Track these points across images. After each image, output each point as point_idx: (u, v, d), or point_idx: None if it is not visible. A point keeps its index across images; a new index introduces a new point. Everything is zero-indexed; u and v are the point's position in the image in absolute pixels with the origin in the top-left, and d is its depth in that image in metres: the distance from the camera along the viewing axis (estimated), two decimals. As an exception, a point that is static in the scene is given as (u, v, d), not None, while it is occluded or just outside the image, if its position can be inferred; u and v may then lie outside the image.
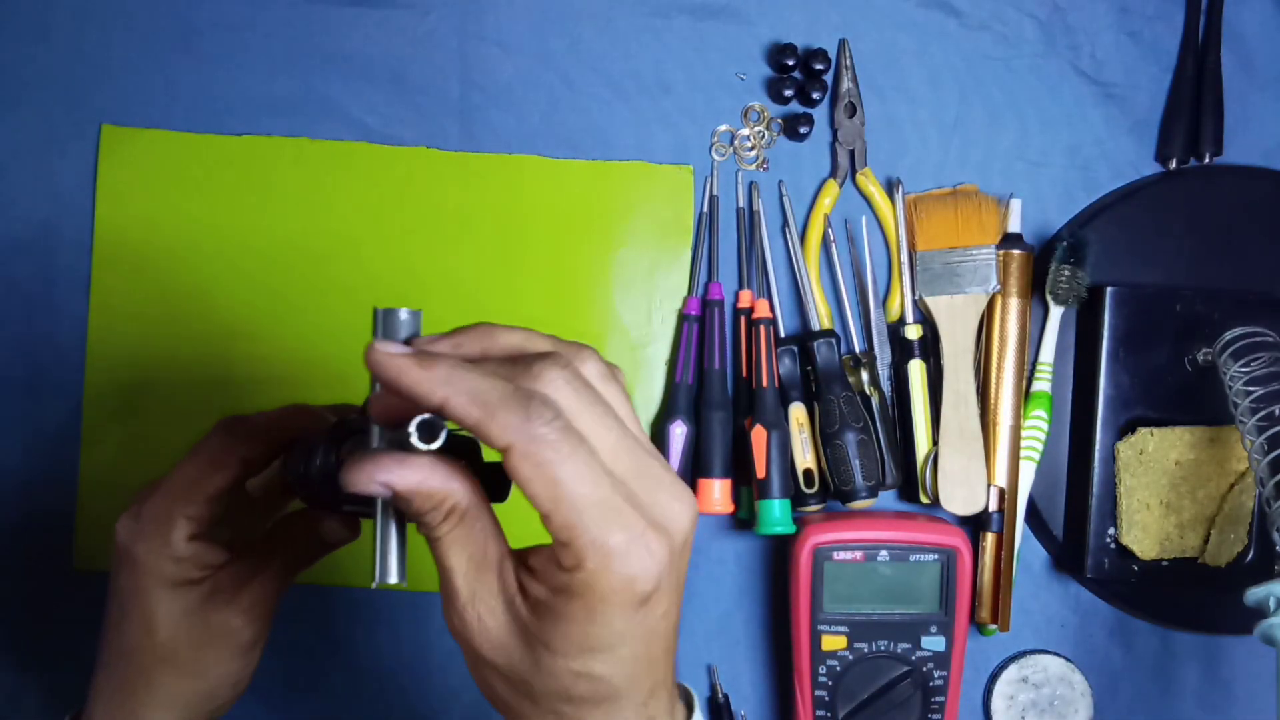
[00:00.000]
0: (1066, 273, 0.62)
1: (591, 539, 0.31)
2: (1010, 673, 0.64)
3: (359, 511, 0.42)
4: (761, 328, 0.62)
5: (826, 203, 0.64)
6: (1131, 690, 0.66)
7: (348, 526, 0.46)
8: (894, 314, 0.64)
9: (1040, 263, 0.64)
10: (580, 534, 0.31)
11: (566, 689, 0.34)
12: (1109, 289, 0.62)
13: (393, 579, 0.35)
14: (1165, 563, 0.62)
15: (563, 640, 0.33)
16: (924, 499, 0.63)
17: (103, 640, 0.46)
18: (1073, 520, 0.64)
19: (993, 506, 0.62)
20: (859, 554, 0.59)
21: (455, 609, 0.34)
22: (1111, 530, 0.62)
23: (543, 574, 0.33)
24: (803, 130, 0.64)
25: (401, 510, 0.34)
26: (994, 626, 0.62)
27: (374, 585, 0.35)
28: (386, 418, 0.33)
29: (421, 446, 0.32)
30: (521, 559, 0.34)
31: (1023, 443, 0.63)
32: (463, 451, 0.36)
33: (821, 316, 0.63)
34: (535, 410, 0.31)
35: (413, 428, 0.32)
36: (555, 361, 0.33)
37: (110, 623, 0.45)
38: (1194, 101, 0.65)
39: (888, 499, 0.65)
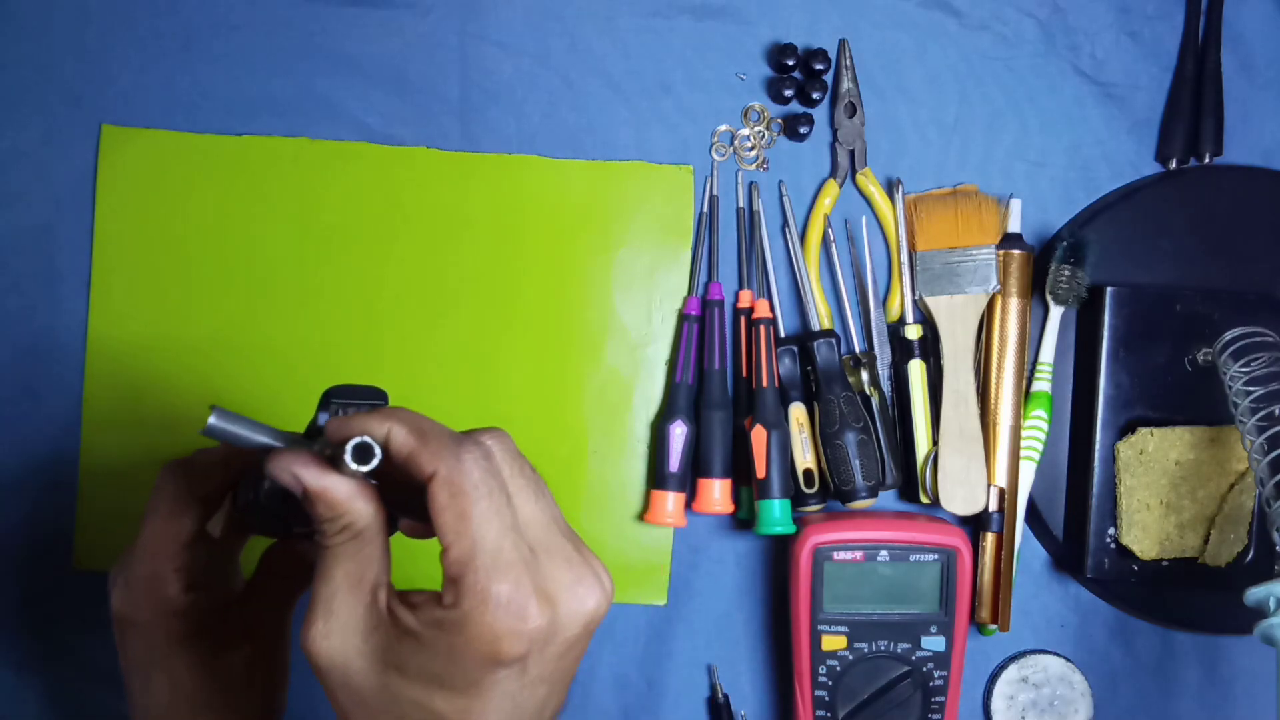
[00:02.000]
0: (1066, 273, 0.62)
1: (476, 581, 0.32)
2: (1010, 673, 0.65)
3: (308, 534, 0.41)
4: (761, 328, 0.62)
5: (826, 203, 0.64)
6: (1131, 690, 0.66)
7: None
8: (894, 314, 0.64)
9: (1040, 263, 0.64)
10: (469, 573, 0.32)
11: (402, 715, 0.34)
12: (1109, 289, 0.62)
13: None
14: (1165, 563, 0.62)
15: (415, 667, 0.34)
16: (924, 499, 0.63)
17: (133, 709, 0.46)
18: (1073, 520, 0.64)
19: (993, 506, 0.62)
20: (859, 554, 0.59)
21: (320, 617, 0.35)
22: (1111, 530, 0.62)
23: (420, 608, 0.34)
24: (803, 130, 0.64)
25: (308, 512, 0.35)
26: (994, 626, 0.62)
27: None
28: (338, 436, 0.35)
29: (352, 466, 0.33)
30: (403, 595, 0.35)
31: (1023, 443, 0.63)
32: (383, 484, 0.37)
33: (821, 316, 0.63)
34: (467, 446, 0.34)
35: (349, 446, 0.33)
36: (493, 432, 0.35)
37: (135, 690, 0.45)
38: (1194, 101, 0.65)
39: (888, 499, 0.65)
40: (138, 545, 0.44)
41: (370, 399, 0.40)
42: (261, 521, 0.44)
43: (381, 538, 0.36)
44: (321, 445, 0.36)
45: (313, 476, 0.34)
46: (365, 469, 0.33)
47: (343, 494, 0.35)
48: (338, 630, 0.34)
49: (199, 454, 0.45)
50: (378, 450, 0.34)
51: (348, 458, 0.33)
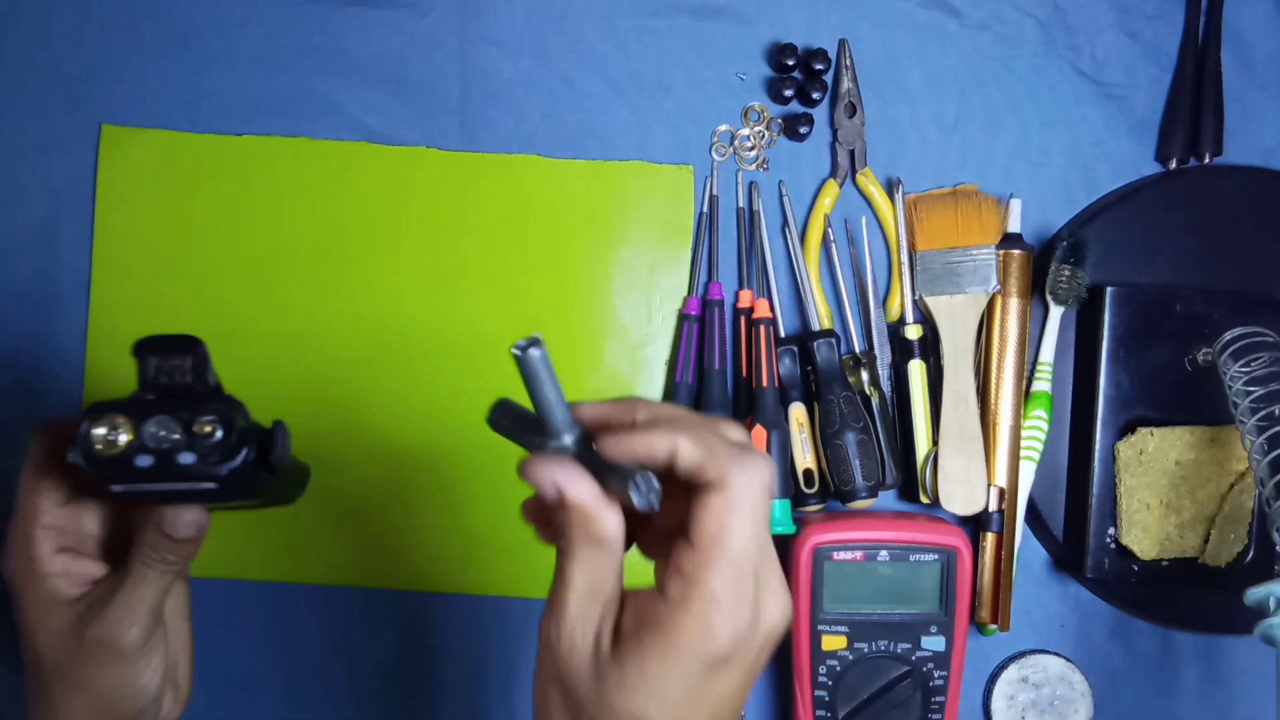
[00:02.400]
0: (1066, 273, 0.62)
1: (707, 580, 0.34)
2: (1010, 673, 0.65)
3: (128, 497, 0.41)
4: (761, 328, 0.62)
5: (826, 203, 0.64)
6: (1131, 690, 0.66)
7: (188, 515, 0.43)
8: (894, 314, 0.64)
9: (1040, 263, 0.64)
10: (704, 572, 0.34)
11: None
12: (1109, 289, 0.62)
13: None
14: (1165, 563, 0.62)
15: (634, 674, 0.35)
16: (924, 499, 0.63)
17: (24, 669, 0.46)
18: (1073, 520, 0.64)
19: (993, 506, 0.62)
20: (859, 554, 0.59)
21: (557, 620, 0.36)
22: (1111, 530, 0.62)
23: (641, 604, 0.36)
24: (803, 130, 0.64)
25: (553, 514, 0.36)
26: (994, 626, 0.62)
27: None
28: (622, 457, 0.36)
29: (631, 496, 0.35)
30: (625, 597, 0.37)
31: (1023, 443, 0.63)
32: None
33: (821, 316, 0.63)
34: (750, 460, 0.35)
35: (638, 479, 0.35)
36: (766, 455, 0.37)
37: (23, 649, 0.45)
38: (1194, 101, 0.65)
39: (888, 499, 0.65)
40: (15, 506, 0.44)
41: (184, 349, 0.41)
42: (85, 479, 0.41)
43: (622, 550, 0.37)
44: (580, 450, 0.37)
45: (575, 489, 0.35)
46: (640, 500, 0.35)
47: (600, 507, 0.35)
48: (581, 636, 0.36)
49: (70, 418, 0.44)
50: (658, 488, 0.35)
51: (632, 490, 0.34)
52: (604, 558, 0.36)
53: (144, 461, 0.39)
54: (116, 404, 0.39)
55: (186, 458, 0.39)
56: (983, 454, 0.61)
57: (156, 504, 0.42)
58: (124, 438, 0.39)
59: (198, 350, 0.41)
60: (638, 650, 0.35)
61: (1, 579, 0.45)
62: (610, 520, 0.36)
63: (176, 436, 0.39)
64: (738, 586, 0.35)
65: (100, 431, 0.39)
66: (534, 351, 0.35)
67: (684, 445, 0.35)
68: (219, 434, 0.39)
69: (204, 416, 0.39)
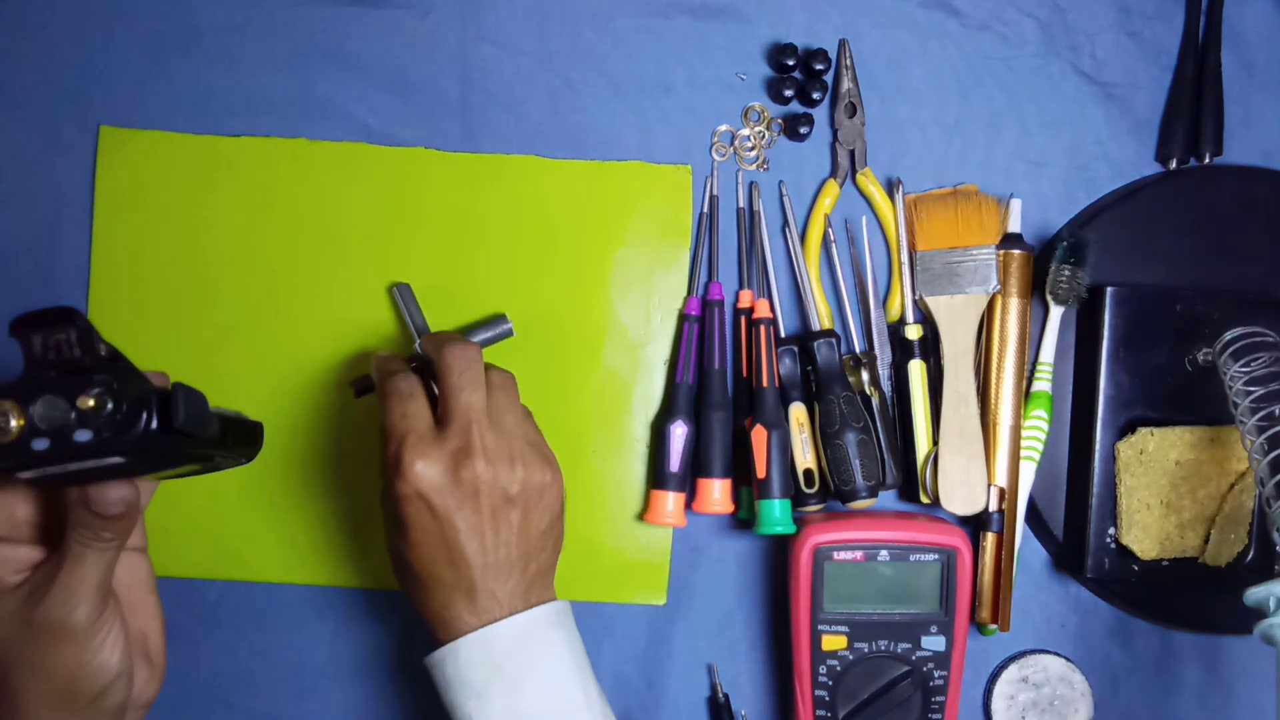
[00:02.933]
0: (1066, 273, 0.62)
1: (383, 447, 0.52)
2: (1010, 673, 0.65)
3: (44, 481, 0.41)
4: (761, 328, 0.62)
5: (827, 203, 0.64)
6: (1131, 690, 0.66)
7: (114, 493, 0.42)
8: (894, 314, 0.64)
9: (1040, 263, 0.64)
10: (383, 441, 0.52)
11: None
12: (1109, 289, 0.62)
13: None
14: (1165, 563, 0.62)
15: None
16: (924, 499, 0.63)
17: None
18: (1073, 520, 0.64)
19: (993, 506, 0.62)
20: (859, 554, 0.59)
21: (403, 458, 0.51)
22: (1111, 530, 0.62)
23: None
24: (803, 130, 0.64)
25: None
26: (994, 626, 0.62)
27: None
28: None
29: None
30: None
31: (1023, 443, 0.63)
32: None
33: (821, 316, 0.63)
34: (391, 365, 0.56)
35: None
36: (467, 349, 0.53)
37: None
38: (1194, 101, 0.65)
39: (888, 499, 0.65)
40: None
41: (63, 321, 0.39)
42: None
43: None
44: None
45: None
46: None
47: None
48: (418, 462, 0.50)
49: None
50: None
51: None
52: (411, 403, 0.53)
53: (40, 445, 0.38)
54: (2, 389, 0.38)
55: (82, 435, 0.38)
56: (983, 454, 0.61)
57: (79, 484, 0.41)
58: (15, 423, 0.38)
59: (79, 321, 0.39)
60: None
61: None
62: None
63: (68, 414, 0.38)
64: (409, 447, 0.50)
65: None
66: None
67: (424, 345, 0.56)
68: (109, 405, 0.38)
69: (90, 390, 0.38)
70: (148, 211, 0.63)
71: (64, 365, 0.39)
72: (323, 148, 0.63)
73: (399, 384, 0.53)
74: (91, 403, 0.38)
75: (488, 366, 0.54)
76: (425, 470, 0.49)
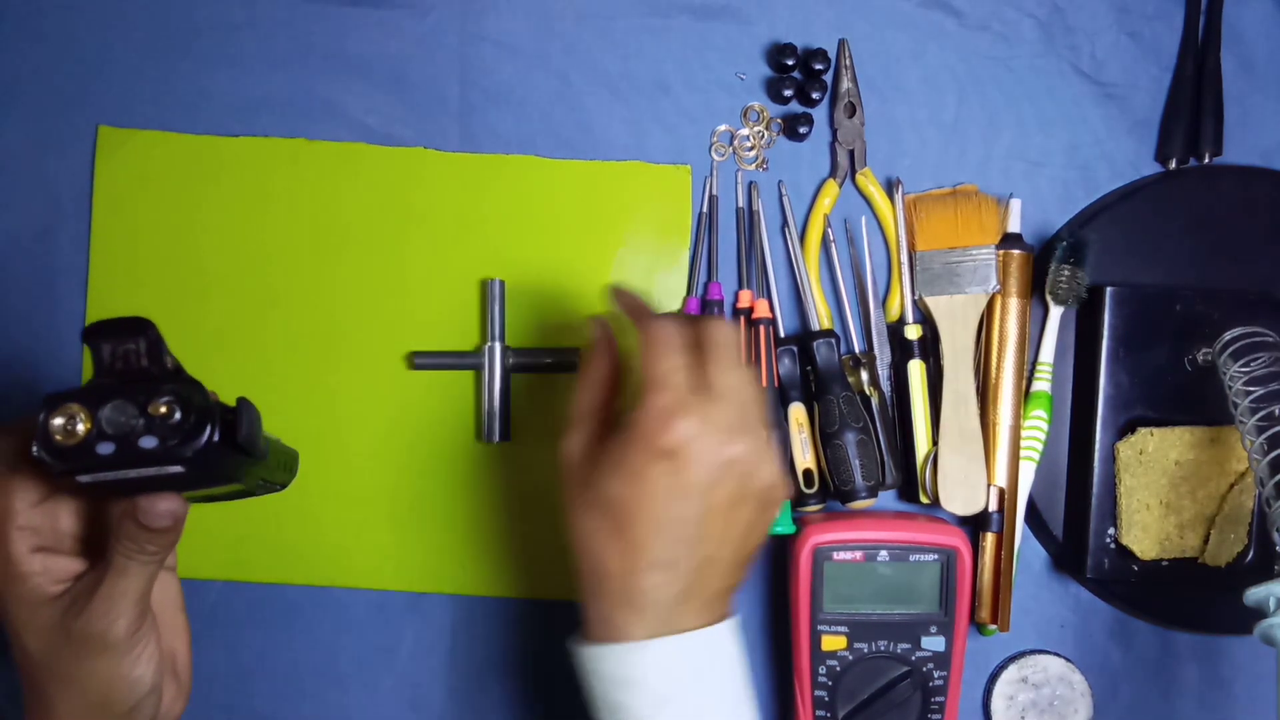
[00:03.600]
0: (1066, 273, 0.62)
1: (644, 394, 0.46)
2: (1010, 673, 0.64)
3: (98, 488, 0.41)
4: (761, 328, 0.62)
5: (826, 203, 0.64)
6: (1131, 690, 0.66)
7: (162, 505, 0.42)
8: (894, 314, 0.64)
9: (1040, 263, 0.64)
10: (643, 388, 0.46)
11: (595, 497, 0.47)
12: (1109, 289, 0.62)
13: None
14: (1165, 563, 0.62)
15: (603, 456, 0.47)
16: (924, 499, 0.63)
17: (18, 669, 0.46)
18: (1073, 520, 0.64)
19: (993, 506, 0.62)
20: (859, 554, 0.59)
21: (564, 434, 0.50)
22: (1111, 530, 0.62)
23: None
24: (802, 130, 0.64)
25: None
26: (994, 626, 0.62)
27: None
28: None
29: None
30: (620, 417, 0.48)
31: (1023, 443, 0.63)
32: None
33: (821, 316, 0.63)
34: (659, 317, 0.49)
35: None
36: (722, 323, 0.49)
37: (12, 648, 0.45)
38: (1194, 101, 0.65)
39: (888, 499, 0.65)
40: None
41: (135, 331, 0.40)
42: (58, 472, 0.41)
43: (607, 375, 0.51)
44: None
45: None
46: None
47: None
48: (575, 441, 0.49)
49: (32, 415, 0.43)
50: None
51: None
52: (594, 378, 0.51)
53: (105, 449, 0.38)
54: (72, 393, 0.39)
55: (148, 441, 0.38)
56: (982, 454, 0.61)
57: (129, 494, 0.41)
58: (82, 426, 0.38)
59: (149, 332, 0.40)
60: (611, 440, 0.47)
61: None
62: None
63: (136, 420, 0.39)
64: (680, 403, 0.45)
65: (58, 422, 0.38)
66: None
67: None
68: (177, 414, 0.39)
69: (161, 398, 0.39)
70: (146, 211, 0.63)
71: (130, 374, 0.40)
72: (322, 148, 0.63)
73: (676, 332, 0.47)
74: (162, 409, 0.39)
75: (728, 341, 0.48)
76: (698, 434, 0.44)
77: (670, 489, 0.45)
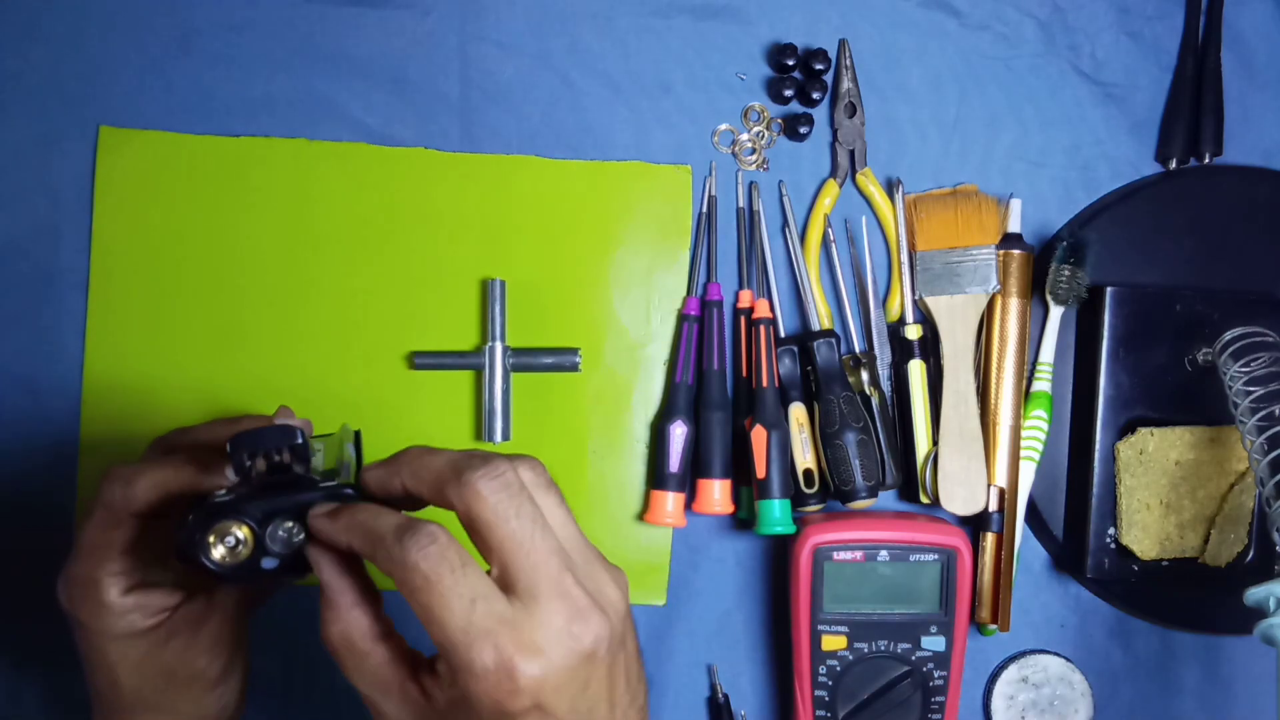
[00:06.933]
0: (1066, 273, 0.62)
1: (459, 660, 0.34)
2: (1010, 673, 0.65)
3: (244, 580, 0.40)
4: (761, 328, 0.62)
5: (826, 203, 0.64)
6: (1131, 690, 0.66)
7: (334, 626, 0.40)
8: (894, 314, 0.64)
9: (1040, 263, 0.64)
10: (449, 654, 0.34)
11: None
12: (1109, 289, 0.62)
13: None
14: (1165, 563, 0.62)
15: None
16: (924, 499, 0.63)
17: (92, 699, 0.46)
18: (1073, 520, 0.64)
19: (993, 506, 0.62)
20: (859, 554, 0.59)
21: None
22: (1111, 530, 0.62)
23: (444, 679, 0.36)
24: (803, 130, 0.64)
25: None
26: (994, 626, 0.62)
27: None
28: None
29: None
30: (429, 663, 0.38)
31: (1023, 443, 0.63)
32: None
33: (821, 316, 0.63)
34: (410, 541, 0.35)
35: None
36: (488, 470, 0.36)
37: (86, 673, 0.46)
38: (1194, 101, 0.65)
39: (888, 499, 0.65)
40: (76, 548, 0.43)
41: (285, 439, 0.39)
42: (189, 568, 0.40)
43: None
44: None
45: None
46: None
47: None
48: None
49: (145, 466, 0.43)
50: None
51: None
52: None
53: (269, 564, 0.39)
54: (230, 508, 0.38)
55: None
56: (983, 454, 0.61)
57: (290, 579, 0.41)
58: (245, 548, 0.38)
59: (295, 439, 0.39)
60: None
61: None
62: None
63: (300, 537, 0.39)
64: (487, 644, 0.34)
65: (220, 551, 0.38)
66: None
67: (355, 546, 0.37)
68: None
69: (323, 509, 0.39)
70: (147, 212, 0.62)
71: (281, 479, 0.40)
72: (322, 148, 0.63)
73: (446, 557, 0.35)
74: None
75: (504, 460, 0.38)
76: (543, 669, 0.35)
77: (607, 677, 0.37)
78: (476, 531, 0.36)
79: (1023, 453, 0.63)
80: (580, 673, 0.36)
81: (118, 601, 0.43)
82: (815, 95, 0.63)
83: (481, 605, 0.34)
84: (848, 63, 0.64)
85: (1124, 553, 0.62)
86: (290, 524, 0.39)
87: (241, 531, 0.38)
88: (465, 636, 0.34)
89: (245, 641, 0.47)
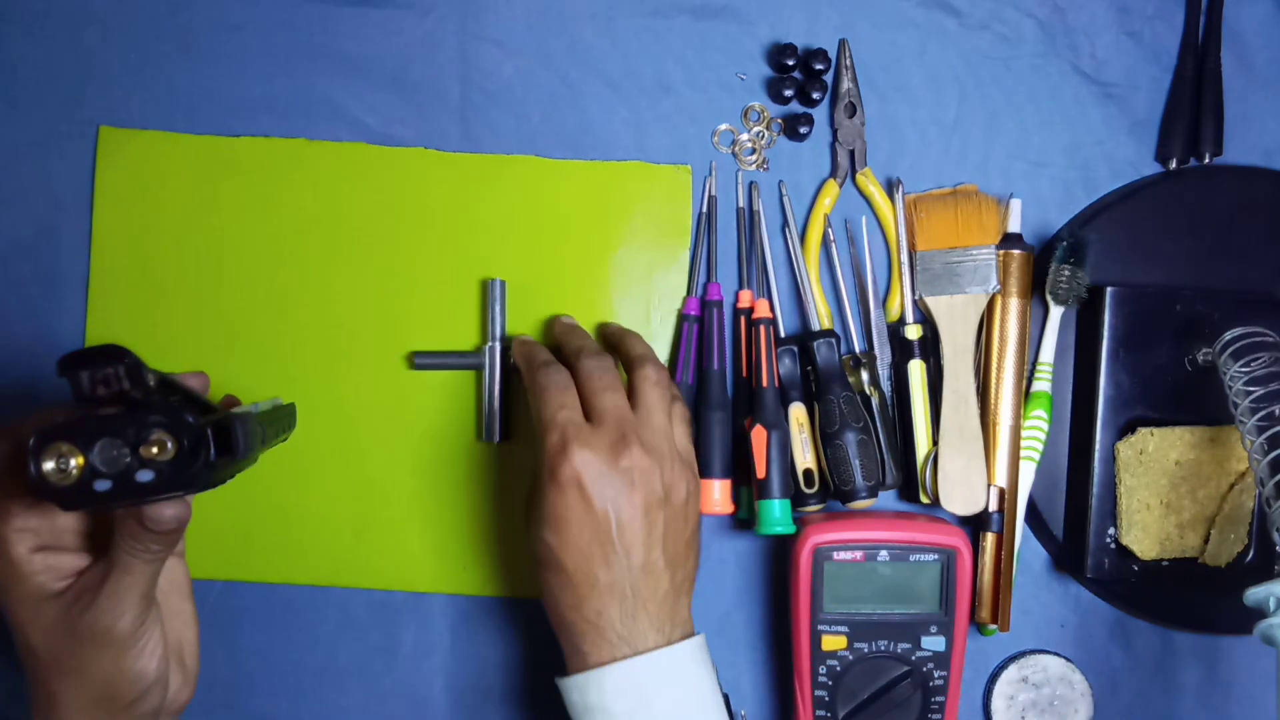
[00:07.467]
0: (1066, 273, 0.62)
1: (541, 436, 0.52)
2: (1010, 673, 0.65)
3: (99, 510, 0.41)
4: (761, 328, 0.62)
5: (826, 203, 0.64)
6: (1131, 690, 0.66)
7: (169, 511, 0.43)
8: (894, 314, 0.64)
9: (1040, 263, 0.64)
10: (540, 433, 0.52)
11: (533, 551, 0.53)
12: (1109, 289, 0.62)
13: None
14: (1165, 563, 0.62)
15: (532, 509, 0.53)
16: (924, 499, 0.63)
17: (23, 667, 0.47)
18: (1073, 520, 0.64)
19: (993, 506, 0.62)
20: (859, 554, 0.59)
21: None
22: (1111, 530, 0.62)
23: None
24: (803, 130, 0.64)
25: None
26: (994, 626, 0.62)
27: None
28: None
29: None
30: None
31: (1023, 443, 0.63)
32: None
33: (821, 316, 0.63)
34: (544, 365, 0.56)
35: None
36: (657, 366, 0.58)
37: (16, 646, 0.46)
38: (1194, 101, 0.65)
39: (888, 499, 0.65)
40: None
41: (113, 359, 0.40)
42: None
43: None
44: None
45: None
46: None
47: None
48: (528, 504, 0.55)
49: (26, 418, 0.44)
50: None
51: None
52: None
53: (102, 486, 0.38)
54: (60, 429, 0.38)
55: (144, 475, 0.39)
56: (983, 454, 0.61)
57: (132, 505, 0.41)
58: (75, 466, 0.38)
59: (127, 358, 0.40)
60: (533, 490, 0.53)
61: None
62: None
63: (129, 458, 0.38)
64: (568, 435, 0.51)
65: (50, 465, 0.38)
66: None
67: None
68: (169, 447, 0.38)
69: (150, 433, 0.38)
70: (147, 212, 0.63)
71: (114, 399, 0.40)
72: (322, 148, 0.63)
73: (554, 376, 0.53)
74: (154, 450, 0.38)
75: (639, 360, 0.56)
76: (588, 459, 0.50)
77: (584, 515, 0.50)
78: (579, 379, 0.54)
79: (1023, 453, 0.63)
80: (617, 480, 0.50)
81: (26, 560, 0.44)
82: (815, 95, 0.63)
83: (564, 412, 0.51)
84: (848, 63, 0.64)
85: (1124, 553, 0.62)
86: (123, 447, 0.38)
87: (71, 454, 0.38)
88: (548, 424, 0.51)
89: (156, 602, 0.46)
